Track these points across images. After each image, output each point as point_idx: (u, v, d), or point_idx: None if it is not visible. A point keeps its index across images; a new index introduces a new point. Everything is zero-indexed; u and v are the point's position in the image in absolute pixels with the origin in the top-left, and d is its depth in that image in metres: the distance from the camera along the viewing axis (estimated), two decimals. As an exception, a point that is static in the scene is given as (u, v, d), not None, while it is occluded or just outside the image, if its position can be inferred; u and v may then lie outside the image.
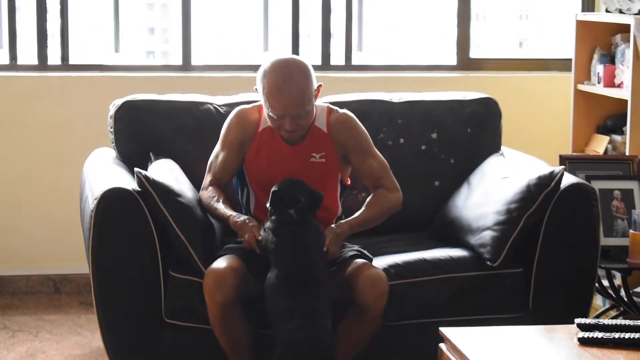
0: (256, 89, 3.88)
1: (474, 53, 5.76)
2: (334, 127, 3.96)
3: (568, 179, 4.00)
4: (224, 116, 4.26)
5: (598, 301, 4.85)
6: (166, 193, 3.75)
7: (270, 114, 3.81)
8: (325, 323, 3.55)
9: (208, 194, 3.91)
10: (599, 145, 5.19)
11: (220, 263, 3.66)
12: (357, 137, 3.98)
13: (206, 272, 3.64)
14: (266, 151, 3.92)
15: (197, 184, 4.05)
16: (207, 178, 3.97)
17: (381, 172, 3.98)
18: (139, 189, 3.75)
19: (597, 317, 4.63)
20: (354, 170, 4.02)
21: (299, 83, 3.78)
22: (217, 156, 3.98)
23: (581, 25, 5.27)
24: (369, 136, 4.02)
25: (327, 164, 3.93)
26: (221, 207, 3.84)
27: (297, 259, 3.63)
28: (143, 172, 3.77)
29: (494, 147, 4.53)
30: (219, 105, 4.39)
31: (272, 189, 3.73)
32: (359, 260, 3.72)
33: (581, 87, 5.27)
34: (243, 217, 3.79)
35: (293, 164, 3.89)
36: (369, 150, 4.00)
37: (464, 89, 4.80)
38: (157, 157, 4.12)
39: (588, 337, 3.04)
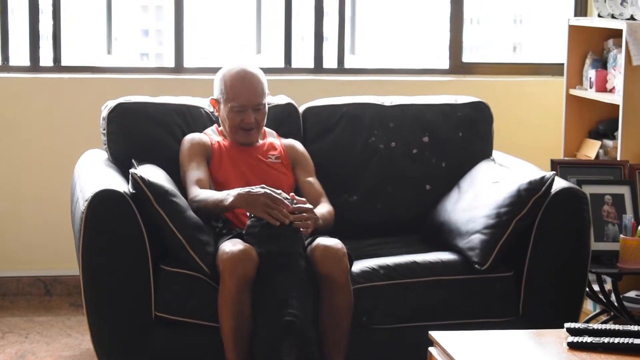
0: (213, 99, 4.23)
1: (468, 57, 5.76)
2: (286, 144, 4.29)
3: (559, 184, 4.01)
4: (214, 120, 4.30)
5: (588, 306, 4.85)
6: (162, 194, 3.78)
7: (233, 105, 4.13)
8: (298, 305, 3.64)
9: (198, 195, 3.97)
10: (591, 150, 5.19)
11: (236, 243, 3.74)
12: (306, 158, 4.30)
13: (225, 251, 3.70)
14: (228, 155, 4.16)
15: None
16: (193, 190, 4.01)
17: (321, 192, 4.20)
18: (134, 191, 3.76)
19: (588, 321, 4.63)
20: (297, 184, 4.23)
21: (257, 75, 4.20)
22: (190, 168, 4.11)
23: (573, 30, 5.27)
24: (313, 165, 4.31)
25: (282, 165, 4.19)
26: (217, 193, 3.97)
27: (274, 247, 3.75)
28: (138, 173, 3.78)
29: (486, 151, 4.54)
30: (210, 112, 4.41)
31: None
32: (319, 238, 3.84)
33: (573, 91, 5.28)
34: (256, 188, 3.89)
35: (255, 162, 4.15)
36: (313, 172, 4.28)
37: (457, 93, 4.80)
38: (140, 163, 4.10)
39: (577, 341, 3.04)
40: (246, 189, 3.85)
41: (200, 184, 4.04)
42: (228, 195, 3.87)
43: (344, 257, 3.77)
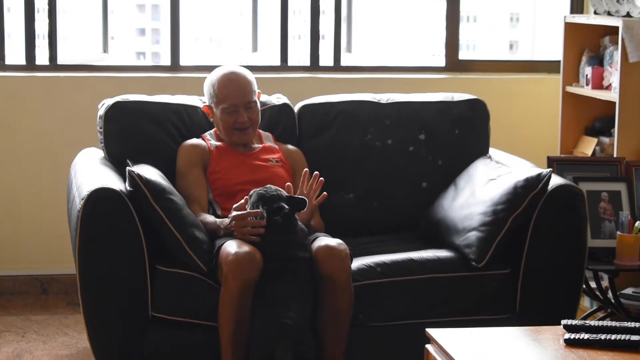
0: (205, 106, 4.26)
1: (464, 54, 5.76)
2: (285, 150, 4.28)
3: (556, 181, 4.01)
4: (211, 121, 4.29)
5: (585, 303, 4.85)
6: (159, 191, 3.79)
7: (225, 106, 4.14)
8: (297, 308, 3.62)
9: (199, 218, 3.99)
10: (587, 147, 5.19)
11: (241, 245, 3.71)
12: (305, 166, 4.22)
13: (230, 253, 3.66)
14: (227, 159, 4.16)
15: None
16: (193, 209, 4.01)
17: None
18: (131, 188, 3.76)
19: (584, 318, 4.63)
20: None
21: (244, 75, 4.22)
22: (186, 184, 4.12)
23: (570, 28, 5.27)
24: None
25: (283, 169, 4.19)
26: (210, 218, 4.00)
27: (278, 253, 3.73)
28: (135, 170, 3.78)
29: (482, 148, 4.53)
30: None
31: (257, 195, 3.83)
32: (321, 238, 3.84)
33: (570, 89, 5.28)
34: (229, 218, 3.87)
35: (255, 164, 4.14)
36: None
37: (453, 91, 4.80)
38: (135, 163, 4.09)
39: (574, 338, 3.04)
40: (225, 223, 3.88)
41: (201, 203, 4.07)
42: (219, 229, 3.90)
43: (346, 258, 3.76)
